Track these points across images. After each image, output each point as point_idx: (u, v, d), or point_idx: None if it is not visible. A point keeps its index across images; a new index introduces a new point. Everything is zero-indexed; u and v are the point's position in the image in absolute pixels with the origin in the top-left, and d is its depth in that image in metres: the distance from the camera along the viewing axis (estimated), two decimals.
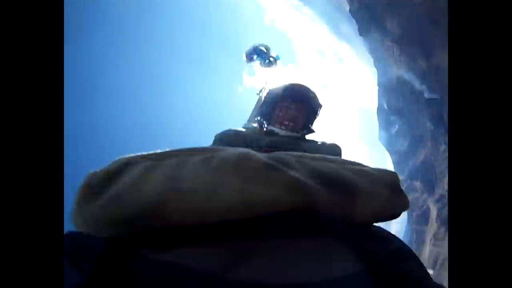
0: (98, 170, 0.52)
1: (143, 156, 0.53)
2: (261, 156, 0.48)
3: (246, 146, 0.85)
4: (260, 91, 2.04)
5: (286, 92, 1.06)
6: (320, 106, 1.13)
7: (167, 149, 0.55)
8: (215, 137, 0.92)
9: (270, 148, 0.85)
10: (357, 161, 0.60)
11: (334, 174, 0.49)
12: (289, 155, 0.52)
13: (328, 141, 1.03)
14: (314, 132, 1.10)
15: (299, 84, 1.10)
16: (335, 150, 0.95)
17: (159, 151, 0.54)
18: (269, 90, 1.16)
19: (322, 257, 0.43)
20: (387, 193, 0.53)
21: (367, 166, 0.58)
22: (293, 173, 0.45)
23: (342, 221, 0.46)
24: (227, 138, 0.89)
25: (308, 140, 1.04)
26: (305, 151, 0.76)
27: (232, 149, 0.50)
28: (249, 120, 1.60)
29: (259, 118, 1.09)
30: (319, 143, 1.05)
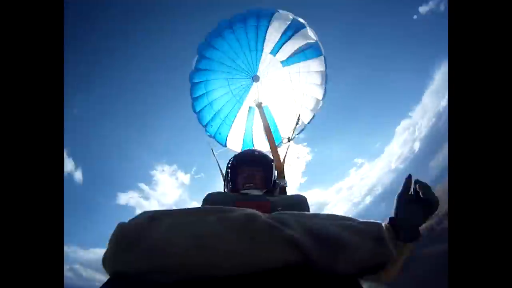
0: (126, 222, 0.61)
1: (165, 213, 0.63)
2: (264, 217, 0.59)
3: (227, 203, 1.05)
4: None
5: (239, 159, 1.37)
6: (271, 161, 1.41)
7: (185, 208, 0.67)
8: (206, 196, 1.13)
9: (242, 202, 1.07)
10: (345, 215, 0.68)
11: (323, 231, 0.59)
12: (288, 215, 0.62)
13: (295, 192, 1.25)
14: (275, 187, 1.35)
15: (248, 150, 1.40)
16: (300, 199, 1.15)
17: (178, 209, 0.65)
18: (228, 163, 1.45)
19: None
20: (370, 244, 0.60)
21: (354, 220, 0.66)
22: (290, 231, 0.55)
23: (332, 273, 0.55)
24: (215, 198, 1.13)
25: (275, 194, 1.29)
26: (273, 203, 0.99)
27: (240, 210, 0.62)
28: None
29: (226, 184, 1.38)
30: (286, 196, 1.30)
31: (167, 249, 0.53)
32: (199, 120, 3.26)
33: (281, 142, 2.85)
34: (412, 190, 0.83)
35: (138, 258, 0.53)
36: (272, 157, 1.67)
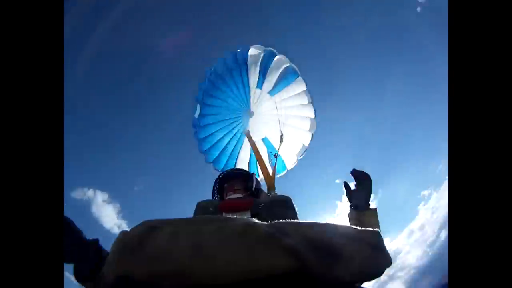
0: (128, 230, 0.63)
1: (166, 222, 0.65)
2: (263, 226, 0.60)
3: (214, 205, 1.23)
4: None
5: (222, 177, 1.60)
6: (250, 173, 1.63)
7: (185, 217, 0.68)
8: (199, 203, 1.26)
9: (226, 202, 1.29)
10: (344, 224, 0.71)
11: (322, 239, 0.60)
12: (287, 223, 0.63)
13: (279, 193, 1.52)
14: (258, 194, 1.53)
15: (229, 169, 1.75)
16: (284, 197, 1.30)
17: (178, 218, 0.67)
18: (215, 181, 1.68)
19: None
20: (368, 251, 0.61)
21: (352, 228, 0.68)
22: (289, 240, 0.56)
23: (330, 280, 0.55)
24: (206, 204, 1.26)
25: (258, 196, 1.46)
26: (255, 200, 1.19)
27: (239, 219, 0.63)
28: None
29: (215, 198, 1.60)
30: (269, 196, 1.48)
31: (167, 257, 0.54)
32: (207, 159, 3.54)
33: (273, 156, 3.11)
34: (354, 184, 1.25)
35: (139, 265, 0.54)
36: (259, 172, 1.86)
